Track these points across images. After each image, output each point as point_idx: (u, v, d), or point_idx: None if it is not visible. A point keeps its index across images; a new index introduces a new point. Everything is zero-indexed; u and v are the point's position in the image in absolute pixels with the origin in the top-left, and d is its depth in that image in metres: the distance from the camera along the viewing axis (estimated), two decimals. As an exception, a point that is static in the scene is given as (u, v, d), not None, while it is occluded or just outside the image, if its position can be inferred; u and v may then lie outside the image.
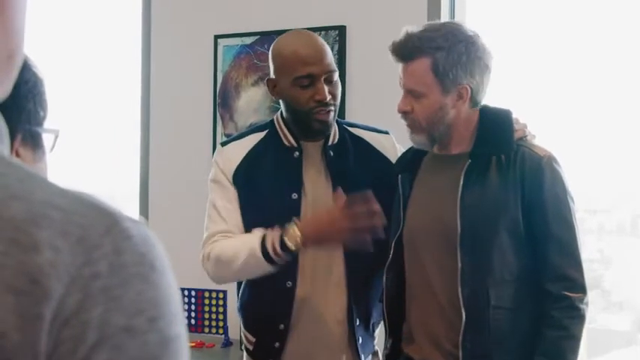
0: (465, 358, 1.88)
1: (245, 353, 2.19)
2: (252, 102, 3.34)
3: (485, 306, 1.86)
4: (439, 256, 1.93)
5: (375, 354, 2.22)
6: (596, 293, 4.16)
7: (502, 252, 1.87)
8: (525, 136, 1.96)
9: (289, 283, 2.05)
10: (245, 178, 2.08)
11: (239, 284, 2.18)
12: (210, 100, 3.42)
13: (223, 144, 2.18)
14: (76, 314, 0.52)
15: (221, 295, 3.20)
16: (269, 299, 2.08)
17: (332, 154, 2.10)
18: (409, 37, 1.91)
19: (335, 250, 2.05)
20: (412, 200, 2.02)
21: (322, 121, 2.03)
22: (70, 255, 0.53)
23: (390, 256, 2.02)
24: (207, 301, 3.25)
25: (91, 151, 4.34)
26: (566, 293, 1.86)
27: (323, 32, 3.06)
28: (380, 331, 2.18)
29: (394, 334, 2.06)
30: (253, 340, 2.14)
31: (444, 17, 2.98)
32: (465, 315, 1.86)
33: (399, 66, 1.96)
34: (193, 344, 3.17)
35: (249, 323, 2.16)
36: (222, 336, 3.18)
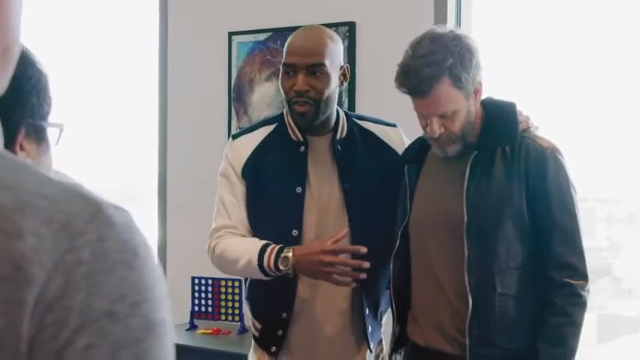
0: (471, 344, 1.90)
1: (253, 340, 2.23)
2: (266, 97, 3.43)
3: (492, 293, 1.89)
4: (445, 246, 1.96)
5: (380, 342, 2.24)
6: (606, 280, 4.20)
7: (507, 241, 1.90)
8: (529, 128, 1.99)
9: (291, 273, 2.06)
10: (253, 171, 2.11)
11: None
12: (225, 95, 3.51)
13: (234, 136, 2.21)
14: (59, 299, 0.53)
15: (237, 284, 3.29)
16: (272, 289, 2.09)
17: (340, 148, 2.11)
18: (418, 70, 1.87)
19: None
20: (418, 190, 2.04)
21: (298, 112, 2.05)
22: (53, 242, 0.53)
23: (397, 245, 2.05)
24: (223, 290, 3.35)
25: (111, 147, 4.42)
26: (568, 280, 1.89)
27: (333, 28, 3.12)
28: (387, 319, 2.21)
29: (402, 321, 2.09)
30: (259, 327, 2.18)
31: (451, 11, 3.02)
32: (472, 302, 1.89)
33: (413, 101, 1.93)
34: (210, 331, 3.27)
35: (254, 311, 2.20)
36: (238, 323, 3.28)
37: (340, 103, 2.85)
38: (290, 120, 2.13)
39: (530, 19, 3.41)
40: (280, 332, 2.12)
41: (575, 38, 3.50)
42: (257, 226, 2.12)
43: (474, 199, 1.91)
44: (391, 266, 2.07)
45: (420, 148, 2.09)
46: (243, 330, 3.25)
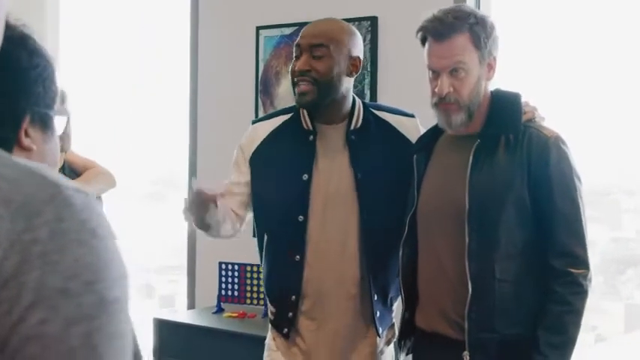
0: (470, 329, 1.93)
1: (269, 323, 2.31)
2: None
3: (491, 279, 1.91)
4: (449, 233, 1.98)
5: (391, 327, 2.28)
6: (633, 271, 4.21)
7: (509, 229, 1.91)
8: (534, 119, 2.01)
9: (298, 257, 2.14)
10: (262, 157, 2.19)
11: (261, 258, 2.29)
12: (252, 88, 3.61)
13: (254, 122, 2.30)
14: (14, 277, 0.53)
15: (261, 269, 3.40)
16: (281, 272, 2.18)
17: (354, 138, 2.15)
18: (444, 16, 1.95)
19: (350, 226, 2.13)
20: (426, 179, 2.07)
21: (298, 92, 2.10)
22: (11, 222, 0.54)
23: (405, 232, 2.08)
24: (249, 275, 3.48)
25: (143, 139, 4.57)
26: (569, 269, 1.90)
27: (356, 23, 3.21)
28: (399, 305, 2.23)
29: (410, 307, 2.11)
30: (274, 310, 2.26)
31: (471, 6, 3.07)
32: (472, 288, 1.91)
33: (430, 49, 1.97)
34: (236, 314, 3.39)
35: (269, 294, 2.29)
36: (263, 307, 3.37)
37: (362, 97, 2.92)
38: (304, 109, 2.17)
39: (549, 18, 3.43)
40: (290, 314, 2.18)
41: (594, 27, 3.50)
42: (265, 211, 2.21)
43: (477, 187, 1.94)
44: (400, 252, 2.11)
45: (430, 137, 2.12)
46: (268, 313, 3.35)
